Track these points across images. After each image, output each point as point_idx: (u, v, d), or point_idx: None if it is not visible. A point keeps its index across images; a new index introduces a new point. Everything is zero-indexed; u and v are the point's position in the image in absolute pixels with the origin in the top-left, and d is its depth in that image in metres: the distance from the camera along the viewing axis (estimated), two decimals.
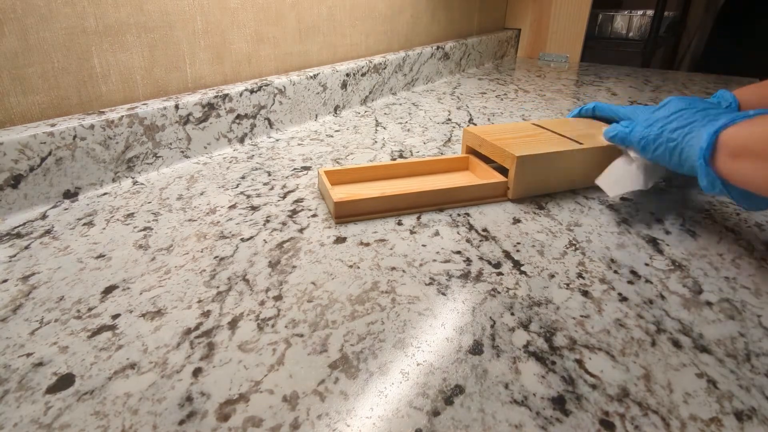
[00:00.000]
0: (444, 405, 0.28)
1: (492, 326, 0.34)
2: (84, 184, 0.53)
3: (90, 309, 0.35)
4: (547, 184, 0.55)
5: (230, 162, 0.64)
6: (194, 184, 0.57)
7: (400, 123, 0.82)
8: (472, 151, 0.61)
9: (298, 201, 0.53)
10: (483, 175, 0.57)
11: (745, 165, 0.35)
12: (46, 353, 0.31)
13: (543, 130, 0.60)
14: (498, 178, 0.54)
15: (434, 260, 0.42)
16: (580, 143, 0.55)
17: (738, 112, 0.41)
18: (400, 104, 0.94)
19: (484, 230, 0.47)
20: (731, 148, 0.36)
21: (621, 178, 0.49)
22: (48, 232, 0.46)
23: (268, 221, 0.48)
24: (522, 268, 0.41)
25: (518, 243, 0.45)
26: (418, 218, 0.49)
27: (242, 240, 0.45)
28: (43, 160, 0.49)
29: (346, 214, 0.48)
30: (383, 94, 0.98)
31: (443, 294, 0.38)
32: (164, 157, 0.61)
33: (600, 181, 0.51)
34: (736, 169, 0.36)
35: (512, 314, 0.35)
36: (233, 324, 0.34)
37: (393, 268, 0.41)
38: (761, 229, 0.48)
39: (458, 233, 0.47)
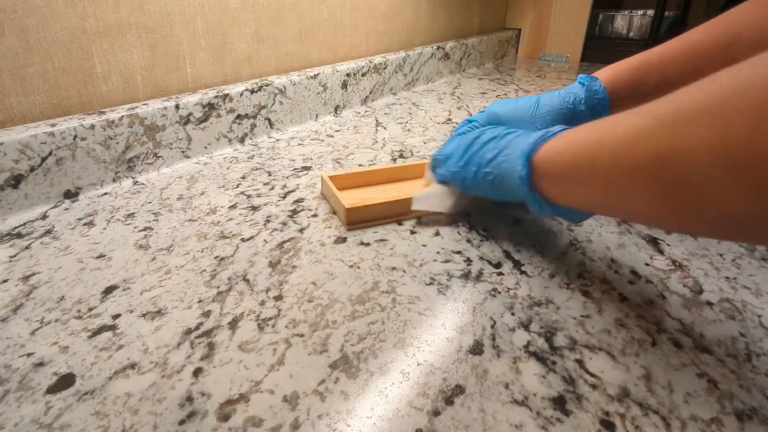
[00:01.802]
0: (444, 405, 0.28)
1: (492, 326, 0.34)
2: (84, 184, 0.53)
3: (90, 309, 0.35)
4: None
5: (231, 162, 0.64)
6: (195, 184, 0.57)
7: (401, 123, 0.82)
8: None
9: (298, 201, 0.53)
10: None
11: (568, 190, 0.34)
12: (46, 353, 0.31)
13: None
14: None
15: (434, 260, 0.42)
16: None
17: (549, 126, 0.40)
18: (401, 104, 0.94)
19: (485, 230, 0.47)
20: (550, 173, 0.35)
21: (430, 196, 0.48)
22: (48, 232, 0.46)
23: (268, 221, 0.48)
24: (522, 268, 0.41)
25: (519, 243, 0.45)
26: (419, 218, 0.49)
27: (242, 240, 0.45)
28: (43, 160, 0.49)
29: (357, 220, 0.47)
30: (383, 94, 0.98)
31: (443, 294, 0.38)
32: (165, 157, 0.61)
33: (416, 194, 0.48)
34: (561, 193, 0.35)
35: (513, 314, 0.35)
36: (234, 324, 0.34)
37: (393, 268, 0.41)
38: None
39: (458, 233, 0.47)
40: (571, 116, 0.49)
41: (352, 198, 0.48)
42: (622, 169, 0.29)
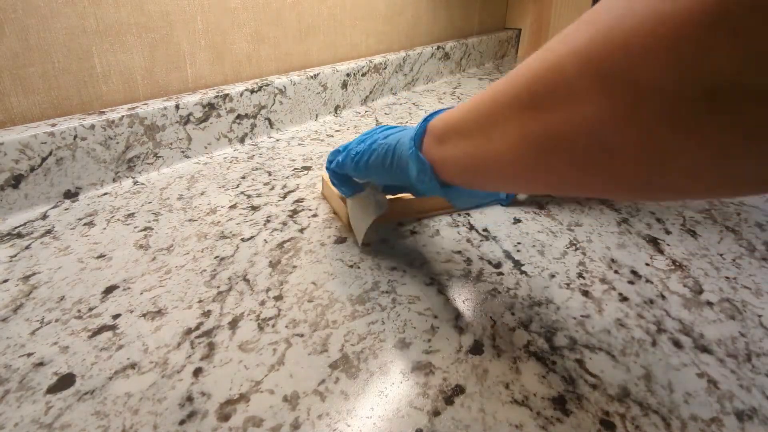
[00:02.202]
0: (444, 405, 0.28)
1: (492, 326, 0.34)
2: (84, 184, 0.53)
3: (90, 309, 0.35)
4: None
5: (231, 162, 0.64)
6: (195, 184, 0.57)
7: (401, 123, 0.82)
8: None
9: (298, 201, 0.53)
10: None
11: (448, 147, 0.31)
12: (46, 353, 0.31)
13: None
14: None
15: (435, 260, 0.42)
16: None
17: None
18: (401, 104, 0.94)
19: (485, 230, 0.47)
20: (437, 133, 0.32)
21: (358, 220, 0.45)
22: (48, 232, 0.46)
23: (268, 221, 0.48)
24: (522, 268, 0.41)
25: (519, 243, 0.45)
26: (419, 218, 0.49)
27: (243, 240, 0.45)
28: (43, 160, 0.49)
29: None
30: (383, 94, 0.98)
31: (444, 294, 0.38)
32: (165, 157, 0.61)
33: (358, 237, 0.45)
34: (441, 154, 0.32)
35: (513, 314, 0.35)
36: (234, 324, 0.34)
37: (393, 268, 0.41)
38: (762, 229, 0.48)
39: (459, 233, 0.47)
40: None
41: None
42: (495, 105, 0.26)
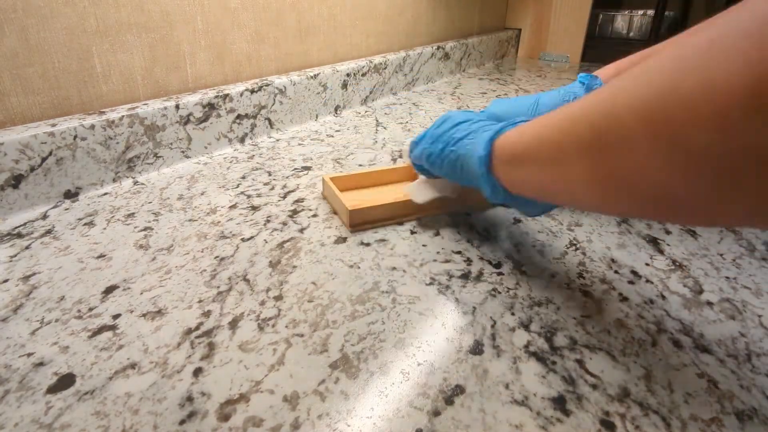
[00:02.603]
0: (444, 405, 0.28)
1: (492, 326, 0.34)
2: (84, 184, 0.53)
3: (90, 309, 0.35)
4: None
5: (231, 162, 0.64)
6: (195, 184, 0.57)
7: (401, 123, 0.82)
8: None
9: (298, 201, 0.53)
10: None
11: (519, 172, 0.34)
12: (46, 353, 0.31)
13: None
14: None
15: (435, 260, 0.42)
16: None
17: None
18: (401, 104, 0.94)
19: (485, 230, 0.47)
20: (505, 156, 0.35)
21: (416, 188, 0.49)
22: (49, 232, 0.46)
23: (268, 221, 0.48)
24: (522, 268, 0.41)
25: (519, 243, 0.45)
26: (419, 218, 0.49)
27: (243, 240, 0.45)
28: (43, 160, 0.49)
29: (359, 222, 0.47)
30: (383, 94, 0.98)
31: (444, 294, 0.38)
32: (165, 157, 0.61)
33: (405, 188, 0.50)
34: (513, 177, 0.35)
35: (513, 314, 0.35)
36: (234, 324, 0.34)
37: (393, 268, 0.41)
38: (762, 229, 0.48)
39: (459, 233, 0.47)
40: None
41: (353, 199, 0.48)
42: (562, 144, 0.29)
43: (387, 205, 0.47)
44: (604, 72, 0.50)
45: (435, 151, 0.43)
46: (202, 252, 0.43)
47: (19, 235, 0.45)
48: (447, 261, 0.42)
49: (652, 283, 0.39)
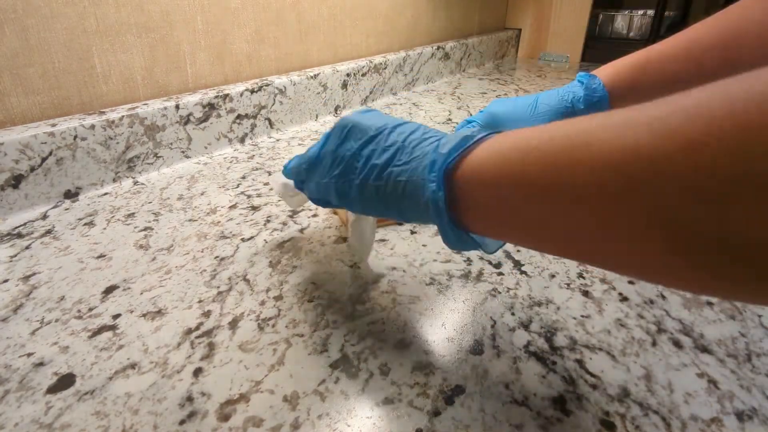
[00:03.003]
0: (444, 405, 0.28)
1: (492, 326, 0.34)
2: (84, 184, 0.53)
3: (90, 309, 0.35)
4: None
5: (231, 162, 0.64)
6: (195, 184, 0.57)
7: None
8: None
9: None
10: None
11: (492, 216, 0.25)
12: (46, 353, 0.31)
13: None
14: None
15: (435, 260, 0.42)
16: None
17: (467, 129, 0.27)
18: (401, 104, 0.94)
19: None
20: (471, 198, 0.25)
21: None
22: (49, 232, 0.46)
23: (268, 221, 0.48)
24: (522, 268, 0.41)
25: None
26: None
27: (243, 240, 0.45)
28: (43, 160, 0.49)
29: None
30: (384, 94, 0.98)
31: (444, 294, 0.38)
32: (165, 157, 0.61)
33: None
34: (485, 199, 0.25)
35: (513, 314, 0.35)
36: (234, 324, 0.34)
37: (393, 268, 0.41)
38: None
39: None
40: (570, 115, 0.49)
41: None
42: (561, 193, 0.21)
43: None
44: (602, 72, 0.50)
45: (347, 190, 0.30)
46: (202, 252, 0.43)
47: (19, 235, 0.45)
48: (447, 261, 0.42)
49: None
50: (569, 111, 0.49)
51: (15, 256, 0.42)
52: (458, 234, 0.26)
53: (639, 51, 0.49)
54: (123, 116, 0.55)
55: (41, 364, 0.30)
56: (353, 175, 0.30)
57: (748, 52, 0.42)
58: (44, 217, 0.49)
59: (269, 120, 0.74)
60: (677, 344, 0.33)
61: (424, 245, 0.44)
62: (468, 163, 0.25)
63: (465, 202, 0.25)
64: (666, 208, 0.17)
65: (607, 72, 0.50)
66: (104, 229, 0.47)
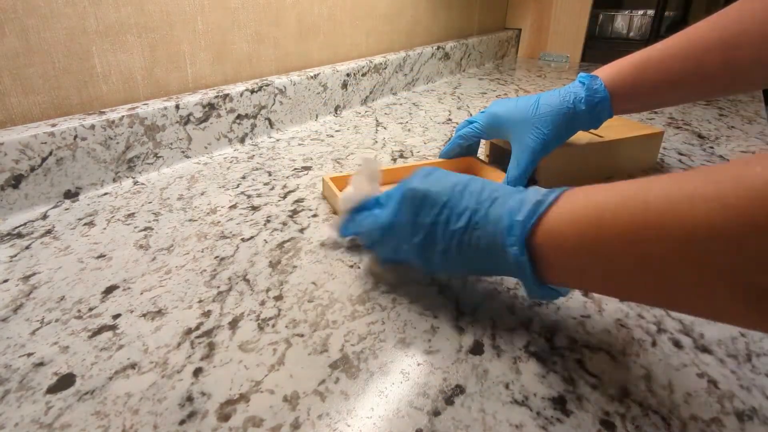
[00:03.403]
0: (444, 405, 0.28)
1: (492, 326, 0.34)
2: (85, 184, 0.53)
3: (91, 309, 0.35)
4: (573, 180, 0.52)
5: (231, 162, 0.64)
6: (195, 184, 0.57)
7: (401, 123, 0.82)
8: (494, 147, 0.61)
9: (298, 201, 0.53)
10: (488, 176, 0.57)
11: (578, 275, 0.28)
12: (46, 353, 0.31)
13: None
14: (503, 177, 0.54)
15: None
16: (601, 136, 0.56)
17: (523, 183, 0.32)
18: (401, 104, 0.94)
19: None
20: (554, 261, 0.28)
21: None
22: (49, 232, 0.46)
23: (268, 221, 0.48)
24: None
25: None
26: None
27: (243, 240, 0.45)
28: (43, 160, 0.49)
29: None
30: (384, 94, 0.98)
31: (444, 294, 0.38)
32: (165, 157, 0.61)
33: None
34: (565, 278, 0.28)
35: (513, 314, 0.35)
36: (234, 324, 0.34)
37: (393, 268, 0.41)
38: None
39: None
40: (572, 115, 0.49)
41: None
42: (632, 256, 0.23)
43: None
44: (603, 72, 0.50)
45: (430, 253, 0.33)
46: (202, 252, 0.43)
47: (19, 235, 0.45)
48: None
49: None
50: (571, 112, 0.49)
51: (15, 256, 0.42)
52: (543, 289, 0.29)
53: (639, 51, 0.49)
54: (123, 116, 0.55)
55: (41, 364, 0.30)
56: (435, 242, 0.32)
57: (749, 52, 0.42)
58: (44, 217, 0.49)
59: (269, 120, 0.74)
60: (677, 344, 0.33)
61: None
62: (543, 228, 0.28)
63: (543, 262, 0.28)
64: (742, 273, 0.20)
65: (607, 72, 0.50)
66: (104, 229, 0.47)
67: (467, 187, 0.32)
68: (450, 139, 0.60)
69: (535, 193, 0.29)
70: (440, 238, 0.32)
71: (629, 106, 0.51)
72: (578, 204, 0.27)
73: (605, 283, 0.27)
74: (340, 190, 0.50)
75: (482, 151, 0.64)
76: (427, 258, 0.33)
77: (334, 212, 0.50)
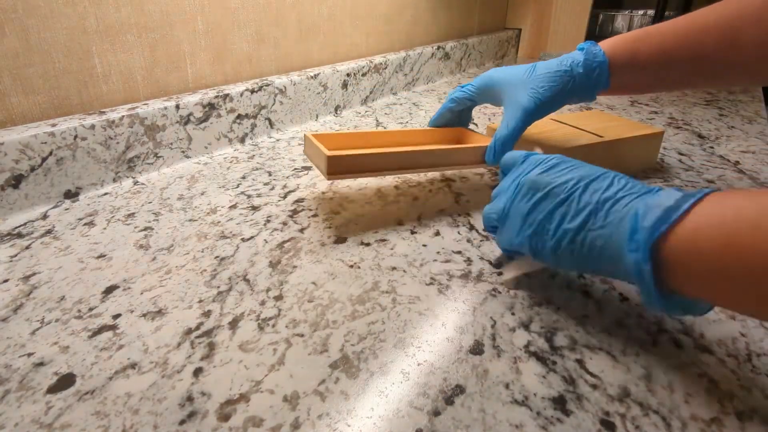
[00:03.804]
0: (444, 405, 0.28)
1: (493, 326, 0.34)
2: (85, 184, 0.53)
3: (91, 309, 0.35)
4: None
5: (231, 162, 0.64)
6: (195, 184, 0.57)
7: (401, 123, 0.82)
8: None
9: (298, 201, 0.53)
10: (478, 142, 0.56)
11: (718, 293, 0.25)
12: (46, 353, 0.31)
13: (560, 125, 0.60)
14: (483, 143, 0.53)
15: (435, 260, 0.42)
16: (600, 136, 0.56)
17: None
18: (401, 104, 0.94)
19: (485, 230, 0.47)
20: (688, 271, 0.25)
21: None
22: (49, 232, 0.46)
23: (268, 221, 0.48)
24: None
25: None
26: (419, 218, 0.49)
27: (243, 240, 0.45)
28: (44, 160, 0.49)
29: (338, 170, 0.44)
30: (384, 94, 0.98)
31: (444, 294, 0.38)
32: (165, 157, 0.61)
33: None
34: (698, 291, 0.26)
35: (513, 314, 0.35)
36: (234, 324, 0.34)
37: (393, 268, 0.41)
38: None
39: (459, 233, 0.47)
40: (569, 78, 0.48)
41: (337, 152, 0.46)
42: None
43: (371, 155, 0.45)
44: (603, 42, 0.49)
45: (541, 249, 0.32)
46: (202, 252, 0.43)
47: (20, 235, 0.45)
48: (447, 261, 0.42)
49: None
50: (568, 74, 0.48)
51: (15, 256, 0.42)
52: (666, 300, 0.27)
53: (645, 27, 0.49)
54: (123, 116, 0.55)
55: (41, 363, 0.30)
56: (546, 236, 0.32)
57: (747, 37, 0.42)
58: (44, 217, 0.49)
59: (269, 120, 0.74)
60: (677, 344, 0.33)
61: (424, 245, 0.44)
62: (678, 233, 0.25)
63: (674, 269, 0.25)
64: None
65: (607, 42, 0.50)
66: (104, 229, 0.47)
67: (594, 181, 0.31)
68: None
69: (669, 196, 0.27)
70: (552, 233, 0.31)
71: (627, 80, 0.50)
72: (727, 207, 0.25)
73: (746, 299, 0.24)
74: (324, 146, 0.47)
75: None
76: (536, 251, 0.33)
77: (318, 170, 0.48)
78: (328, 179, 0.44)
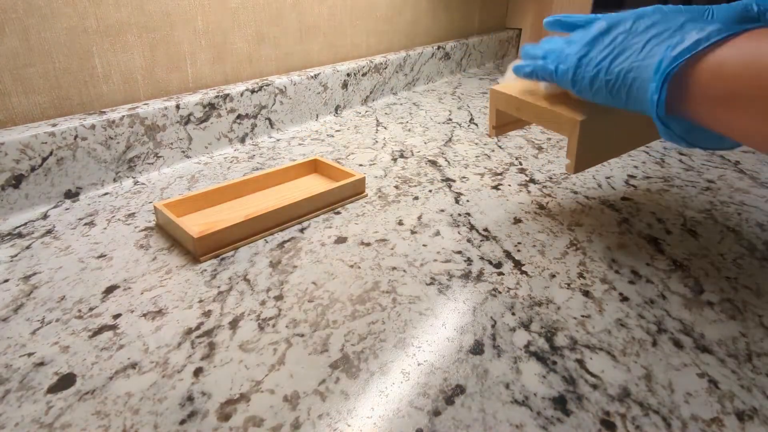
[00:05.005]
0: (445, 405, 0.28)
1: (493, 326, 0.34)
2: (85, 184, 0.53)
3: (91, 309, 0.35)
4: (607, 150, 0.47)
5: (231, 162, 0.64)
6: (195, 184, 0.57)
7: (401, 123, 0.82)
8: (504, 118, 0.50)
9: None
10: (337, 176, 0.55)
11: (732, 117, 0.26)
12: (47, 353, 0.31)
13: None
14: (355, 176, 0.52)
15: (435, 260, 0.42)
16: None
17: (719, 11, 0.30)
18: (401, 104, 0.94)
19: (485, 230, 0.47)
20: (713, 92, 0.26)
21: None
22: (49, 231, 0.46)
23: None
24: (523, 268, 0.41)
25: (519, 243, 0.45)
26: (419, 218, 0.49)
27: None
28: (44, 160, 0.50)
29: (208, 250, 0.41)
30: (384, 94, 0.98)
31: (444, 294, 0.38)
32: (165, 157, 0.61)
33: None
34: (715, 120, 0.27)
35: (513, 314, 0.35)
36: (234, 324, 0.34)
37: (394, 268, 0.41)
38: (762, 229, 0.48)
39: (459, 233, 0.47)
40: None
41: (201, 224, 0.43)
42: None
43: (241, 224, 0.43)
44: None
45: (584, 77, 0.34)
46: None
47: (20, 235, 0.45)
48: (447, 261, 0.42)
49: (652, 283, 0.39)
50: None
51: (15, 255, 0.42)
52: (677, 123, 0.29)
53: None
54: (123, 116, 0.55)
55: (42, 363, 0.30)
56: (587, 67, 0.34)
57: None
58: (45, 216, 0.49)
59: (269, 120, 0.74)
60: (678, 344, 0.33)
61: (424, 245, 0.44)
62: (709, 60, 0.27)
63: (693, 94, 0.27)
64: None
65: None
66: (105, 228, 0.47)
67: (643, 18, 0.32)
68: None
69: (704, 29, 0.28)
70: (595, 62, 0.33)
71: None
72: (763, 44, 0.25)
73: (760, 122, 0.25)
74: (181, 217, 0.45)
75: (488, 121, 0.53)
76: (575, 81, 0.35)
77: (173, 241, 0.44)
78: (201, 261, 0.41)
